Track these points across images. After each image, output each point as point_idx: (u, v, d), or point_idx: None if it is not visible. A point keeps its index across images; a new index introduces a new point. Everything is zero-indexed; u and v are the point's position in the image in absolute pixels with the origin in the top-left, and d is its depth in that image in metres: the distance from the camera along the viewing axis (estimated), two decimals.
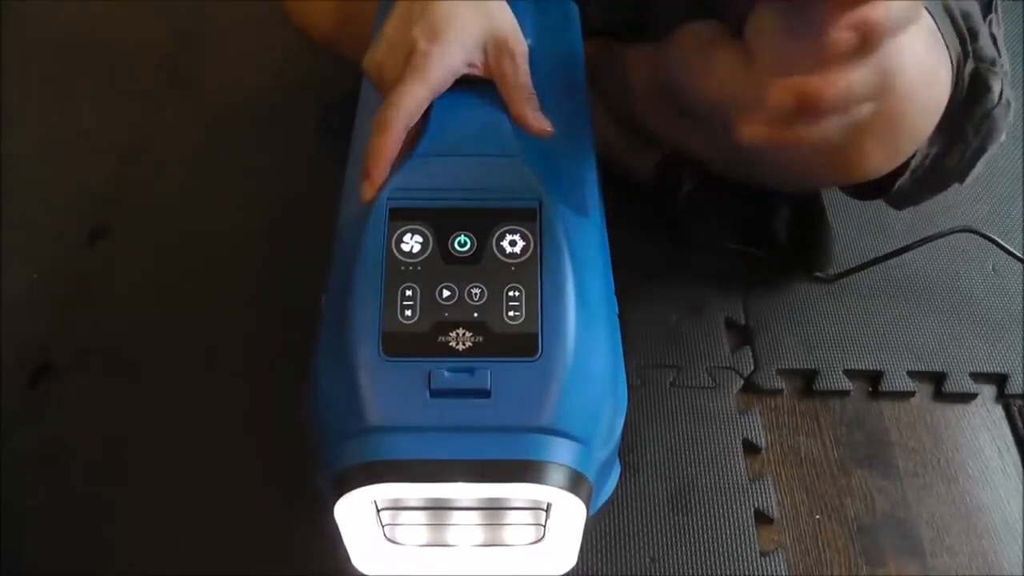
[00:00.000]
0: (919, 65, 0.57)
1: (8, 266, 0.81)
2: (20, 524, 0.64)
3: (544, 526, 0.51)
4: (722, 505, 0.65)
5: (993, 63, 0.64)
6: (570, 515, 0.47)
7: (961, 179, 0.68)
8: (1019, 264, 0.78)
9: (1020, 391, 0.72)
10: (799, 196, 0.69)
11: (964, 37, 0.63)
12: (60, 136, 0.94)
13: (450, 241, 0.49)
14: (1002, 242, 0.77)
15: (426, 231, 0.49)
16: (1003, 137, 0.66)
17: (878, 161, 0.62)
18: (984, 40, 0.64)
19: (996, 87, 0.64)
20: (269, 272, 0.80)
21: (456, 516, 0.51)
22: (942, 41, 0.60)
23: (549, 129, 0.55)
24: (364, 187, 0.51)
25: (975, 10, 0.65)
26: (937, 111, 0.60)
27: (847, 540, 0.64)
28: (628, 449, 0.67)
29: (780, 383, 0.73)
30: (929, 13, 0.60)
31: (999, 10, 0.69)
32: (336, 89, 0.95)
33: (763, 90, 0.53)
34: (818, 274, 0.79)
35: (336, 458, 0.45)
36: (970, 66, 0.63)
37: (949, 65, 0.61)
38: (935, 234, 0.74)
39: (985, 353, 0.74)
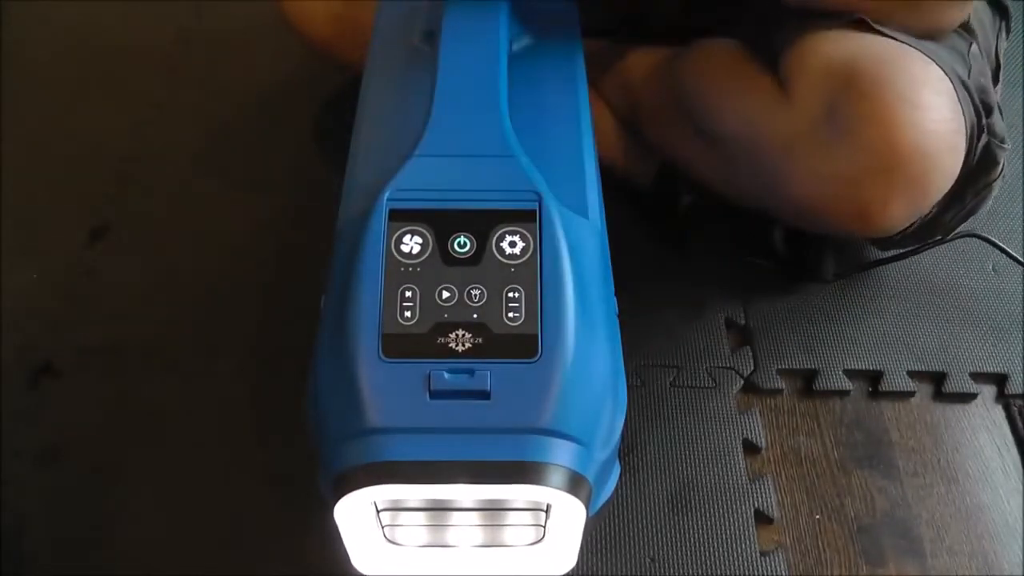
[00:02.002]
0: (946, 132, 0.62)
1: (8, 266, 0.81)
2: (20, 524, 0.64)
3: (544, 527, 0.51)
4: (722, 505, 0.65)
5: (1003, 140, 0.68)
6: (570, 516, 0.47)
7: (947, 233, 0.73)
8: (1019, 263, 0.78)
9: (1020, 391, 0.72)
10: None
11: (980, 112, 0.66)
12: (60, 136, 0.94)
13: (450, 242, 0.49)
14: (1005, 246, 0.77)
15: (426, 232, 0.49)
16: (990, 202, 0.71)
17: (898, 218, 0.65)
18: (996, 117, 0.68)
19: (1001, 162, 0.68)
20: (269, 272, 0.80)
21: (456, 517, 0.51)
22: (962, 113, 0.63)
23: None
24: None
25: (991, 86, 0.69)
26: (954, 176, 0.64)
27: (847, 540, 0.64)
28: (628, 449, 0.67)
29: (780, 383, 0.73)
30: (950, 80, 0.63)
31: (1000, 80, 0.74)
32: (333, 90, 0.96)
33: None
34: None
35: (336, 459, 0.45)
36: (983, 140, 0.67)
37: (966, 135, 0.64)
38: (936, 240, 0.75)
39: (985, 353, 0.74)
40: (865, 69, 0.62)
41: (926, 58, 0.63)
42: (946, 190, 0.65)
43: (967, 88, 0.65)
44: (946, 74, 0.63)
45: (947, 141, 0.62)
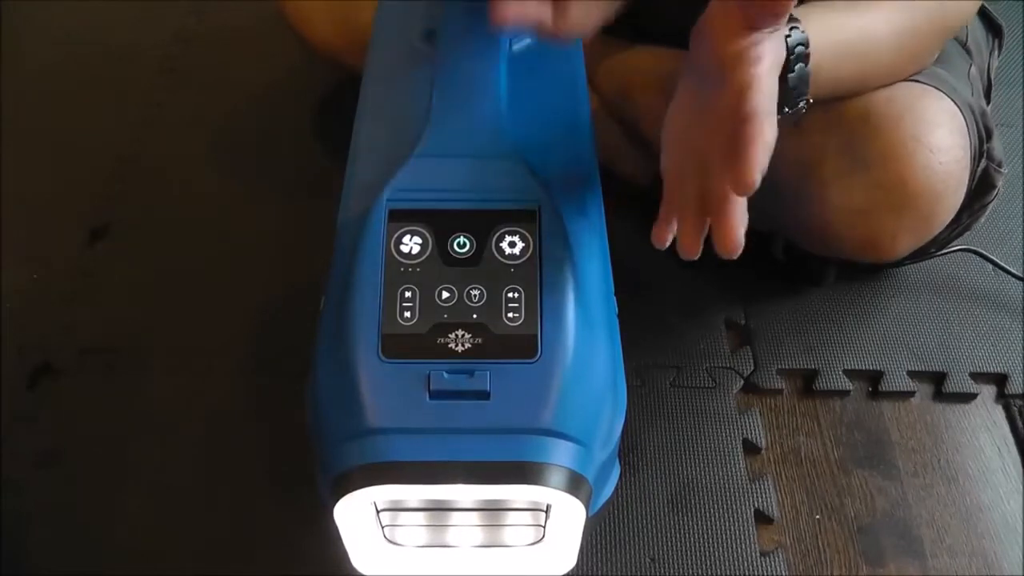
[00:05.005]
0: (956, 171, 0.63)
1: (8, 266, 0.81)
2: (20, 524, 0.64)
3: (544, 527, 0.51)
4: (722, 505, 0.65)
5: (1000, 165, 0.69)
6: (570, 516, 0.47)
7: (941, 248, 0.75)
8: (1019, 260, 0.78)
9: (1020, 391, 0.72)
10: None
11: (982, 137, 0.67)
12: (60, 136, 0.94)
13: (449, 242, 0.49)
14: (997, 260, 0.77)
15: (425, 232, 0.49)
16: (984, 219, 0.73)
17: (905, 248, 0.68)
18: (996, 141, 0.68)
19: (998, 185, 0.69)
20: (269, 271, 0.80)
21: (456, 517, 0.51)
22: (969, 142, 0.64)
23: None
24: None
25: (988, 109, 0.69)
26: (957, 206, 0.66)
27: (847, 540, 0.64)
28: (628, 449, 0.67)
29: (780, 383, 0.73)
30: (961, 113, 0.64)
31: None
32: (333, 89, 0.96)
33: None
34: None
35: (336, 460, 0.45)
36: (983, 165, 0.68)
37: (970, 165, 0.65)
38: (930, 254, 0.75)
39: (985, 353, 0.74)
40: (879, 104, 0.62)
41: (939, 93, 0.64)
42: (949, 218, 0.66)
43: (974, 115, 0.66)
44: (959, 108, 0.64)
45: (956, 178, 0.64)
